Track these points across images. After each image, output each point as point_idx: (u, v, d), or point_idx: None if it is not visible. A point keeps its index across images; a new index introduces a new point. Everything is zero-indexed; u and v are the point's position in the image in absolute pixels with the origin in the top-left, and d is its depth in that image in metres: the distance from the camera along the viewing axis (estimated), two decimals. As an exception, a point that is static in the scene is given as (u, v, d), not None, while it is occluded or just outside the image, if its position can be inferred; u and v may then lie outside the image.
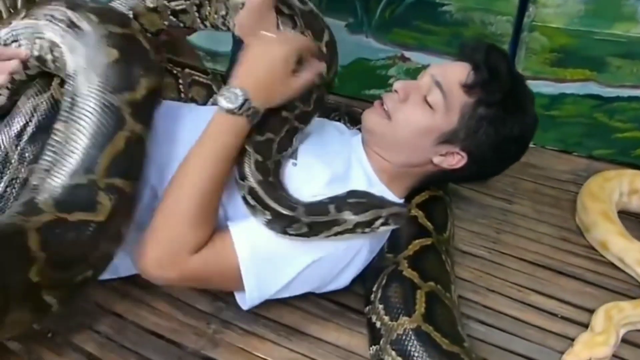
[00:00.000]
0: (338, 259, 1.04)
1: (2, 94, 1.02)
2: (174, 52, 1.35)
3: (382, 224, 0.96)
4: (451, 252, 1.25)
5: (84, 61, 0.90)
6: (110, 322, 1.08)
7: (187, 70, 1.29)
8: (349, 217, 0.94)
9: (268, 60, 0.95)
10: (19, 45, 0.98)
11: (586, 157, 1.76)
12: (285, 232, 0.95)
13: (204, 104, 1.30)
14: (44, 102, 0.99)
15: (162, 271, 0.94)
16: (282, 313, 1.13)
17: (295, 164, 1.06)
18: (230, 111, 0.93)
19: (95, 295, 1.11)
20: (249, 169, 0.96)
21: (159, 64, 1.01)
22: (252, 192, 0.95)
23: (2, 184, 0.94)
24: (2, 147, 0.96)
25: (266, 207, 0.94)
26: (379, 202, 0.98)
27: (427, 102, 1.09)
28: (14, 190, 0.93)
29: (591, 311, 1.18)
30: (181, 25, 1.18)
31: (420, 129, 1.09)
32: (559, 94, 1.72)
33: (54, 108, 0.98)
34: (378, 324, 1.03)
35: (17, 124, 0.98)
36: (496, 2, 1.70)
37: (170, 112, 1.09)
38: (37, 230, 0.76)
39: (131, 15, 1.11)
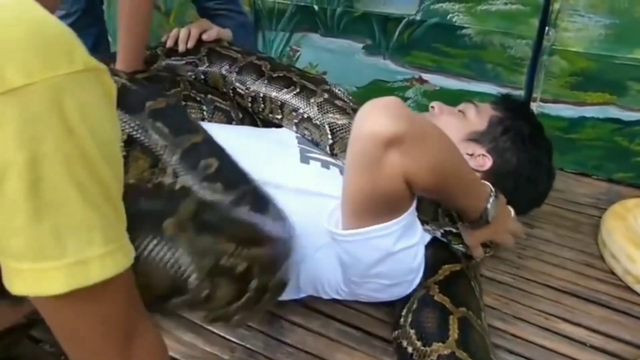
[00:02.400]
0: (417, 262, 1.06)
1: None
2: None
3: None
4: (479, 279, 1.23)
5: None
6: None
7: (209, 96, 1.29)
8: None
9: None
10: None
11: (606, 181, 1.75)
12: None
13: None
14: None
15: (384, 145, 0.85)
16: (305, 340, 1.12)
17: None
18: (484, 212, 1.02)
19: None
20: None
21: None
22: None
23: None
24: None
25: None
26: None
27: (461, 112, 1.25)
28: None
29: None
30: (235, 103, 1.35)
31: (451, 124, 1.19)
32: (578, 117, 1.72)
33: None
34: (410, 349, 1.01)
35: None
36: (516, 25, 1.70)
37: None
38: None
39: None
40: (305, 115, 1.22)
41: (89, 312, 0.56)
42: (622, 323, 1.22)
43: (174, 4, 2.28)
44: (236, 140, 1.17)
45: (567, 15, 1.62)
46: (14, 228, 0.49)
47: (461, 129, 1.20)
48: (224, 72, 1.33)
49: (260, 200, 0.83)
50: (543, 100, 1.73)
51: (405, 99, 1.94)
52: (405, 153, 0.85)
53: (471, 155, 1.20)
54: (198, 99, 1.27)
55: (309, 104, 1.22)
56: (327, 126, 1.19)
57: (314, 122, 1.21)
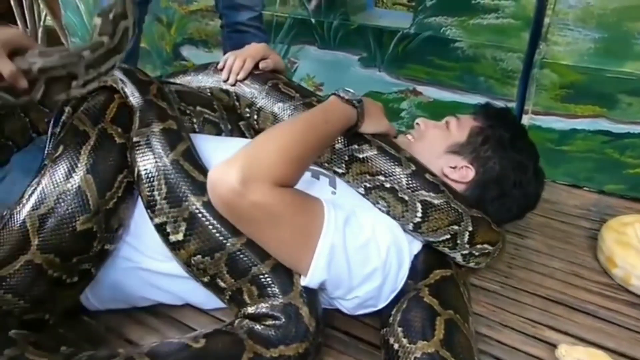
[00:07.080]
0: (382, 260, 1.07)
1: None
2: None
3: None
4: (468, 287, 1.25)
5: None
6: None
7: (198, 108, 1.30)
8: None
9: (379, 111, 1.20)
10: None
11: (597, 192, 1.77)
12: None
13: None
14: None
15: (242, 186, 0.91)
16: (294, 345, 1.13)
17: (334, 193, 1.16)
18: (348, 101, 1.08)
19: (110, 321, 1.12)
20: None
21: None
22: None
23: None
24: None
25: None
26: None
27: (445, 124, 1.28)
28: None
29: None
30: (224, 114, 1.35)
31: (435, 138, 1.25)
32: (569, 129, 1.75)
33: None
34: (396, 346, 1.02)
35: None
36: (507, 39, 1.74)
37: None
38: None
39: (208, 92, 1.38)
40: (388, 185, 1.15)
41: None
42: (607, 331, 1.23)
43: (175, 16, 2.33)
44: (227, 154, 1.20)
45: (557, 29, 1.65)
46: None
47: (443, 142, 1.24)
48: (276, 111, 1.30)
49: None
50: (534, 113, 1.76)
51: (400, 110, 1.97)
52: (251, 181, 0.92)
53: (454, 167, 1.22)
54: (188, 111, 1.28)
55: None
56: (418, 204, 1.13)
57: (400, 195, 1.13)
